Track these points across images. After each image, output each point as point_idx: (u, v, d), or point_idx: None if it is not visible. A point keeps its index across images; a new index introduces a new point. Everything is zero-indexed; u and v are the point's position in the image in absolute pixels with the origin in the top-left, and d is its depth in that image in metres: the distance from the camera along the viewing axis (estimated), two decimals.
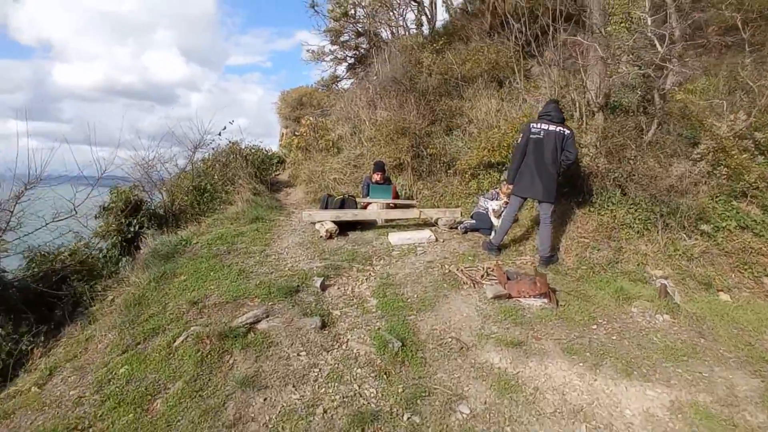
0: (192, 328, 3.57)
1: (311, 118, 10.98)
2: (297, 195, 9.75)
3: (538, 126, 4.96)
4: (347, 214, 6.35)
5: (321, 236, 5.98)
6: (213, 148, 9.20)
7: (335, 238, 5.99)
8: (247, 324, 3.61)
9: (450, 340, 3.56)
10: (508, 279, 4.33)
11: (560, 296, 4.31)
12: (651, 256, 5.01)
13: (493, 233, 5.97)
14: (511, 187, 5.23)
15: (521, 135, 5.10)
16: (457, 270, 4.80)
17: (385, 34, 13.83)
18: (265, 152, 11.77)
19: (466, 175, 7.66)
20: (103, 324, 3.98)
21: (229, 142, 9.85)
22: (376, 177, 7.22)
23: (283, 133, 16.16)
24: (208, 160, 9.24)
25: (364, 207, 7.08)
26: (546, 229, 5.03)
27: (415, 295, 4.29)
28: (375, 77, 10.83)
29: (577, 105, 6.89)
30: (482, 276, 4.69)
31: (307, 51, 14.64)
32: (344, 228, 6.28)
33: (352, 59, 15.05)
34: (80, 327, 4.22)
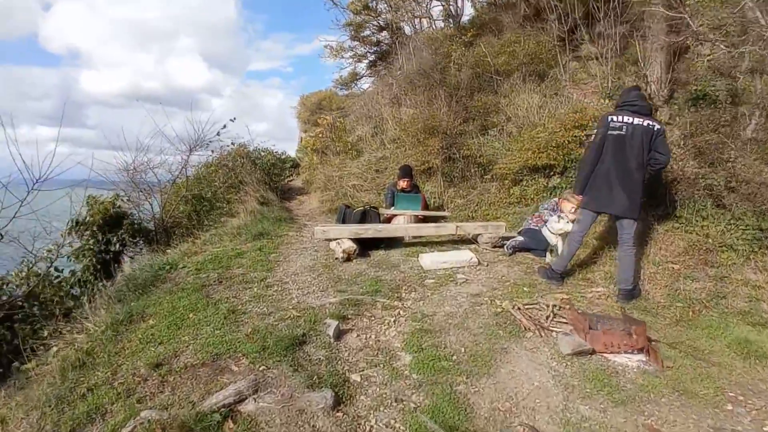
0: (143, 413, 2.37)
1: (329, 117, 9.95)
2: (311, 204, 8.70)
3: (619, 119, 3.76)
4: (368, 230, 5.23)
5: (337, 258, 4.90)
6: (213, 150, 8.09)
7: (354, 260, 4.91)
8: (225, 406, 2.45)
9: (521, 429, 2.43)
10: (590, 327, 3.17)
11: (661, 349, 3.15)
12: (766, 288, 3.81)
13: (548, 255, 4.81)
14: (580, 198, 4.06)
15: (595, 131, 3.92)
16: (514, 308, 3.65)
17: (408, 28, 12.77)
18: (277, 155, 10.74)
19: (506, 181, 6.53)
20: (24, 398, 2.81)
21: (232, 143, 8.78)
22: (403, 184, 6.14)
23: (302, 138, 15.33)
24: (211, 164, 8.19)
25: (388, 220, 5.98)
26: (628, 254, 3.85)
27: (463, 349, 3.15)
28: (399, 72, 9.73)
29: None
30: (548, 317, 3.54)
31: (325, 47, 13.65)
32: (365, 246, 5.19)
33: (373, 56, 13.99)
34: (3, 397, 3.01)
